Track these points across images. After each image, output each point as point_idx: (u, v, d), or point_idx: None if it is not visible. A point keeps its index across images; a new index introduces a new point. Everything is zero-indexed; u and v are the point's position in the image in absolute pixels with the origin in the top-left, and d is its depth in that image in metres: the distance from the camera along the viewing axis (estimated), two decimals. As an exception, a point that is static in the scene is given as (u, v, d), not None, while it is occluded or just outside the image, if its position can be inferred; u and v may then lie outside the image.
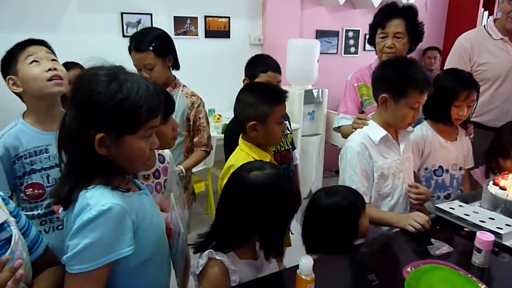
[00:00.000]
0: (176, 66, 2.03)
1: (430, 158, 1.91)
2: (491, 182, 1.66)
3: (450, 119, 1.84)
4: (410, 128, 1.74)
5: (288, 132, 2.02)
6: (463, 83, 1.80)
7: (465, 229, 1.48)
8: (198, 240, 1.19)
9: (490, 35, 2.26)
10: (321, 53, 4.13)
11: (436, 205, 1.62)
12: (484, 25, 2.36)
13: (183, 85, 2.05)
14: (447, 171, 1.92)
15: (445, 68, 2.38)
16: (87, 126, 0.92)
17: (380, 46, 2.01)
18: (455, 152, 1.93)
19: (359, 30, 4.50)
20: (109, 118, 0.92)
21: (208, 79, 3.53)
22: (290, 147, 2.02)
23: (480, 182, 2.07)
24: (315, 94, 3.80)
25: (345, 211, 1.39)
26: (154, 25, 3.37)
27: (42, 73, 1.36)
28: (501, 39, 2.23)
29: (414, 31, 2.01)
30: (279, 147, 1.94)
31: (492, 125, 2.27)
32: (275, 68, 1.99)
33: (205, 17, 3.60)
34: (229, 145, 1.71)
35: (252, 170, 1.16)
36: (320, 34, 4.29)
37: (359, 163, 1.60)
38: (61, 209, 1.03)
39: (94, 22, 3.18)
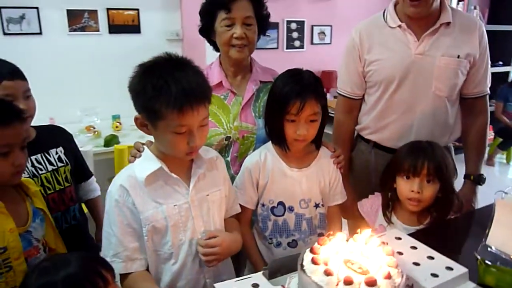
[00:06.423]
0: None
1: (267, 191, 1.42)
2: (308, 249, 1.02)
3: (285, 139, 1.35)
4: (212, 152, 1.26)
5: (61, 164, 1.47)
6: (296, 89, 1.28)
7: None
8: None
9: (387, 22, 1.69)
10: (256, 48, 3.65)
11: (215, 284, 1.02)
12: (384, 10, 1.73)
13: None
14: (291, 209, 1.42)
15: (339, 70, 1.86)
16: None
17: (225, 37, 1.46)
18: (305, 183, 1.41)
19: (304, 21, 3.97)
20: None
21: (115, 81, 3.08)
22: (69, 184, 1.50)
23: (368, 220, 1.56)
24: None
25: None
26: (42, 21, 2.96)
27: None
28: (399, 26, 1.64)
29: (262, 16, 1.53)
30: (45, 190, 1.40)
31: (392, 145, 1.67)
32: (15, 73, 1.34)
33: (107, 9, 3.15)
34: None
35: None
36: (256, 27, 3.79)
37: (119, 217, 1.12)
38: None
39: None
